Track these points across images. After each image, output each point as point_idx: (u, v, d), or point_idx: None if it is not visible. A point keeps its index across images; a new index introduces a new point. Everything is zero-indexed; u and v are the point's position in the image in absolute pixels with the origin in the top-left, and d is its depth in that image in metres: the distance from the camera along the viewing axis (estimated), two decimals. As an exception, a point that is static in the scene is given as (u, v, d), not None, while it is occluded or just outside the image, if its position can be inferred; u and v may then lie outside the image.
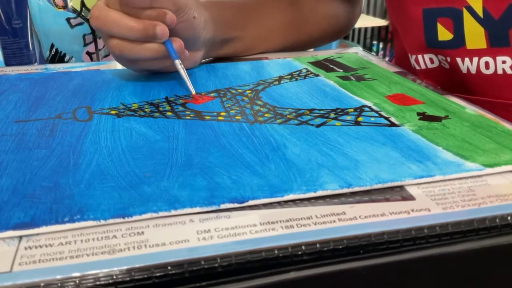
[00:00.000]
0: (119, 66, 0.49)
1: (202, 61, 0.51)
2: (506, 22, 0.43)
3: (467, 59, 0.45)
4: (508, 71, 0.44)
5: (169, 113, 0.36)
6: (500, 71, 0.44)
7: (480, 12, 0.44)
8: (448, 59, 0.47)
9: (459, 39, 0.45)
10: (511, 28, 0.43)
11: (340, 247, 0.21)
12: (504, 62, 0.44)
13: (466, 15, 0.44)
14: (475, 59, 0.45)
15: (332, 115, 0.35)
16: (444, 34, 0.46)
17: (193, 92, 0.40)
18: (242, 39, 0.54)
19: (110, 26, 0.40)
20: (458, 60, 0.46)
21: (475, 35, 0.44)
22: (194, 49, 0.47)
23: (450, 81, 0.48)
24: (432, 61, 0.49)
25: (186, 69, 0.44)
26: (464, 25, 0.45)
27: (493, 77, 0.45)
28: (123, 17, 0.40)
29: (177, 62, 0.42)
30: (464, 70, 0.46)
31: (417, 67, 0.51)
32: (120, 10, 0.40)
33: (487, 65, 0.44)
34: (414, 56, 0.50)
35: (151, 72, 0.47)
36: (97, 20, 0.41)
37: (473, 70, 0.45)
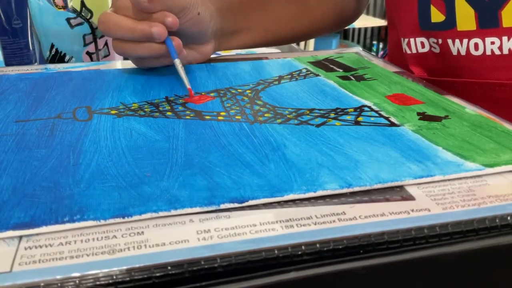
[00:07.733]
0: (119, 66, 0.49)
1: (215, 53, 0.54)
2: (495, 3, 0.44)
3: (457, 41, 0.47)
4: (497, 52, 0.45)
5: (169, 113, 0.36)
6: (488, 52, 0.45)
7: None
8: (440, 41, 0.48)
9: (450, 21, 0.47)
10: (500, 9, 0.44)
11: (340, 247, 0.21)
12: (492, 43, 0.45)
13: None
14: (465, 40, 0.46)
15: (332, 115, 0.35)
16: (436, 15, 0.48)
17: (188, 86, 0.41)
18: (251, 31, 0.56)
19: (114, 29, 0.43)
20: (449, 41, 0.47)
21: (465, 16, 0.46)
22: (203, 42, 0.50)
23: (440, 65, 0.50)
24: (423, 45, 0.50)
25: (197, 63, 0.50)
26: (456, 7, 0.46)
27: (482, 58, 0.46)
28: (125, 20, 0.43)
29: (177, 61, 0.44)
30: (455, 52, 0.47)
31: (408, 51, 0.52)
32: (128, 15, 0.43)
33: (476, 46, 0.46)
34: (406, 40, 0.52)
35: (156, 68, 0.48)
36: (102, 24, 0.44)
37: (463, 51, 0.47)
